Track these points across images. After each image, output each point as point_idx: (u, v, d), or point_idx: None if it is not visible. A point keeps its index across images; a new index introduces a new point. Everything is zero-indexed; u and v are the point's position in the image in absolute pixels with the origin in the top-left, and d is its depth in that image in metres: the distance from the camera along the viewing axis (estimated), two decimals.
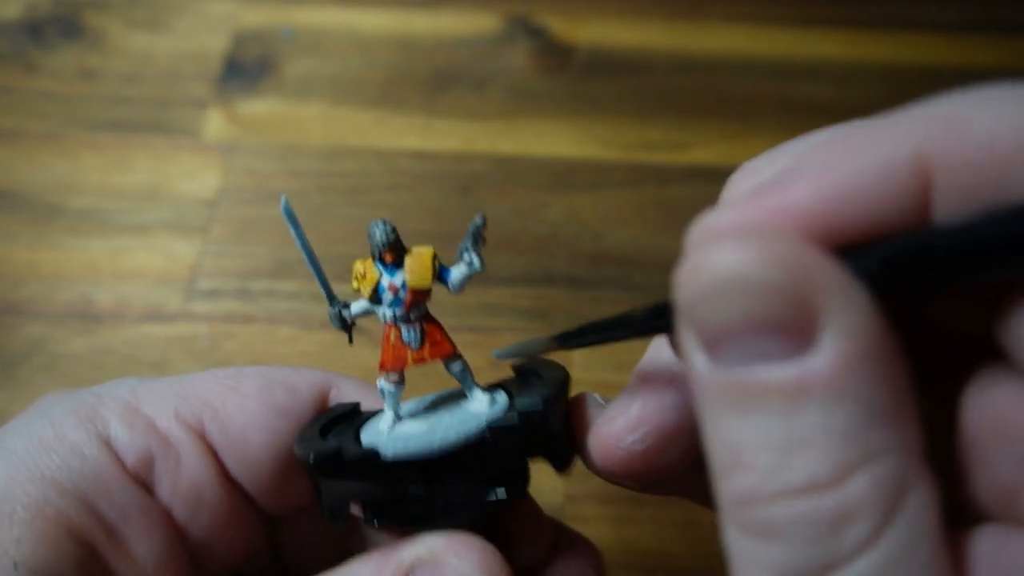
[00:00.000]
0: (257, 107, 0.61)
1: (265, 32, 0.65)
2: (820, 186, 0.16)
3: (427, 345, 0.27)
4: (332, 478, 0.26)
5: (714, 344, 0.16)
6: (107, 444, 0.27)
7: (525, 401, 0.26)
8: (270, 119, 0.60)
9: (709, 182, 0.57)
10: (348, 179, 0.57)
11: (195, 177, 0.57)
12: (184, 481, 0.28)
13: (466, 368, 0.28)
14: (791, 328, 0.16)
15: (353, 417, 0.29)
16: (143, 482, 0.28)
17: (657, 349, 0.25)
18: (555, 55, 0.64)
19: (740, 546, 0.17)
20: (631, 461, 0.23)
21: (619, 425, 0.23)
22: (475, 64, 0.63)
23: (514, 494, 0.27)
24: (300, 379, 0.30)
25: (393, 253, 0.26)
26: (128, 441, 0.27)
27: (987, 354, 0.16)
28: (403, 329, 0.27)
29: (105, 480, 0.27)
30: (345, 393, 0.30)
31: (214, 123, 0.60)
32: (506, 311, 0.51)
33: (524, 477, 0.28)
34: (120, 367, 0.49)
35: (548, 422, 0.26)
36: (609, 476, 0.25)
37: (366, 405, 0.30)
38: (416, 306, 0.27)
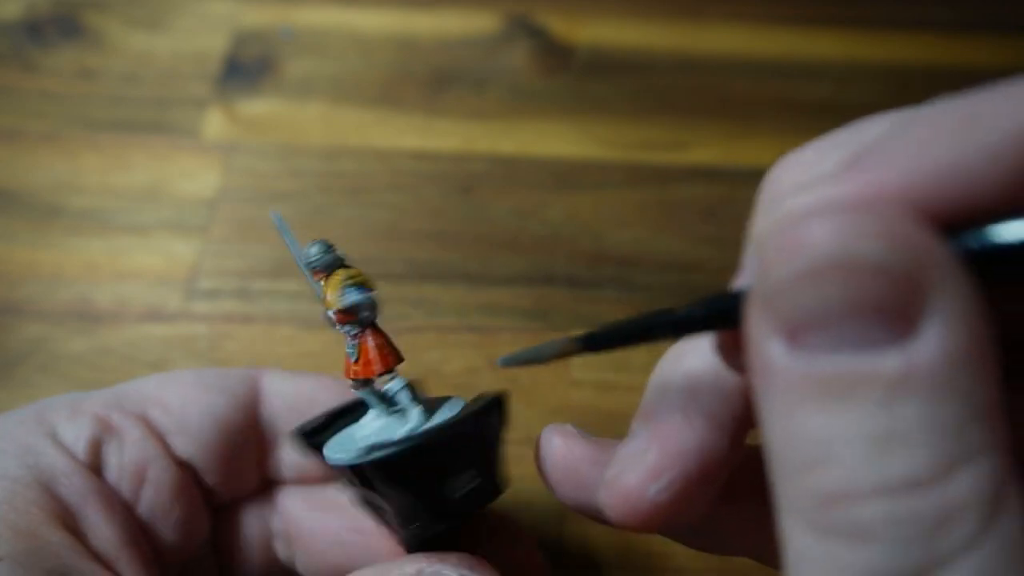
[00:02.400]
0: (257, 107, 0.61)
1: (265, 32, 0.65)
2: (920, 163, 0.15)
3: (360, 362, 0.28)
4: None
5: (798, 332, 0.15)
6: (55, 440, 0.29)
7: (409, 428, 0.26)
8: (270, 119, 0.60)
9: (709, 182, 0.57)
10: (348, 179, 0.57)
11: (195, 177, 0.57)
12: (128, 458, 0.30)
13: (407, 387, 0.28)
14: (895, 313, 0.14)
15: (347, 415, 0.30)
16: (94, 468, 0.29)
17: (673, 364, 0.23)
18: (555, 55, 0.64)
19: (819, 550, 0.15)
20: (659, 513, 0.21)
21: (640, 475, 0.21)
22: (475, 64, 0.63)
23: (476, 504, 0.26)
24: (230, 369, 0.34)
25: (322, 274, 0.29)
26: (74, 433, 0.29)
27: None
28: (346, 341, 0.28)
29: (60, 469, 0.28)
30: (271, 380, 0.33)
31: (214, 123, 0.60)
32: (506, 311, 0.51)
33: (492, 485, 0.27)
34: (120, 367, 0.49)
35: (426, 456, 0.25)
36: (636, 530, 0.22)
37: (296, 391, 0.33)
38: (345, 324, 0.28)
